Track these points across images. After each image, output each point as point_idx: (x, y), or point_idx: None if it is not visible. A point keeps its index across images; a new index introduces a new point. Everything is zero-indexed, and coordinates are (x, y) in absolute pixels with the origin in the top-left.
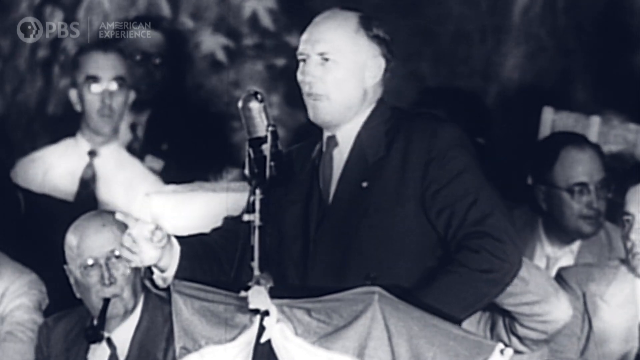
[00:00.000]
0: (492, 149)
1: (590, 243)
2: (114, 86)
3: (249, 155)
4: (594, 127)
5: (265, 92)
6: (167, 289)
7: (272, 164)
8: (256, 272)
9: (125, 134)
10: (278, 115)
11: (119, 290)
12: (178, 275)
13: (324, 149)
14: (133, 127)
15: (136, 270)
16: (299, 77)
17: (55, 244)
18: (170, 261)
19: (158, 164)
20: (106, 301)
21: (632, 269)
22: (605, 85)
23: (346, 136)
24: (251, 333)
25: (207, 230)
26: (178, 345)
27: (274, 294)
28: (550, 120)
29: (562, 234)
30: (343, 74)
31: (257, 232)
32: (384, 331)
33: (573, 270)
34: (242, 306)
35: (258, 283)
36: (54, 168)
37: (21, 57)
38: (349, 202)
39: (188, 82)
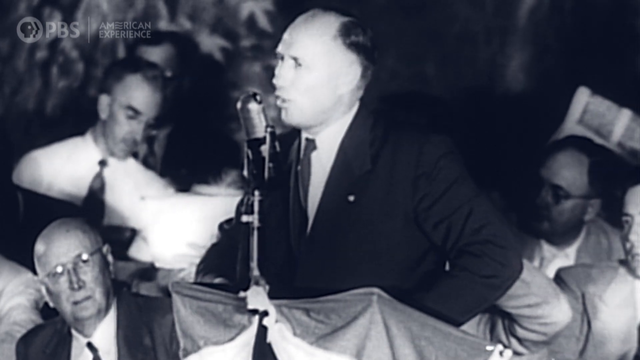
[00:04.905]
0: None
1: (589, 246)
2: (151, 122)
3: (248, 156)
4: (623, 120)
5: (263, 93)
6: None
7: (271, 165)
8: (255, 273)
9: (141, 148)
10: (276, 116)
11: (90, 293)
12: None
13: (301, 151)
14: (149, 141)
15: (106, 271)
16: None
17: None
18: None
19: (174, 187)
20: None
21: (631, 270)
22: (612, 86)
23: (327, 141)
24: (250, 333)
25: (202, 232)
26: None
27: (272, 294)
28: (584, 102)
29: (560, 238)
30: (315, 81)
31: (256, 233)
32: (383, 332)
33: (572, 271)
34: (241, 306)
35: (257, 283)
36: (61, 173)
37: (20, 58)
38: (335, 215)
39: (186, 85)
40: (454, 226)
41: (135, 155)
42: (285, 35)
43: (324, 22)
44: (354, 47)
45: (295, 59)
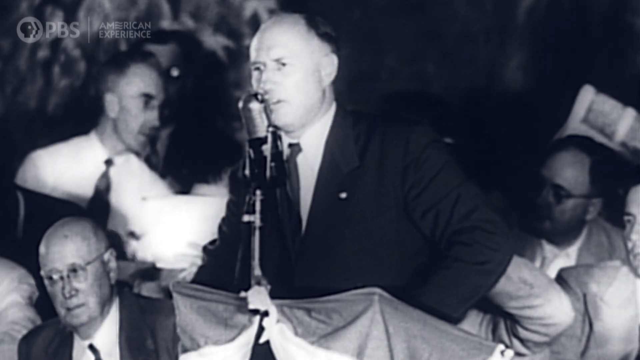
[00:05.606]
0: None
1: (591, 245)
2: (163, 105)
3: (249, 155)
4: (627, 119)
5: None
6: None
7: (273, 164)
8: (257, 272)
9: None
10: None
11: (83, 301)
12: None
13: (285, 156)
14: (152, 141)
15: (104, 279)
16: (255, 85)
17: None
18: None
19: (176, 188)
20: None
21: (633, 270)
22: (611, 85)
23: (311, 143)
24: (250, 333)
25: (203, 232)
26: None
27: (273, 294)
28: (589, 101)
29: (561, 237)
30: (302, 76)
31: (257, 232)
32: (384, 332)
33: (574, 271)
34: (242, 306)
35: (258, 283)
36: (66, 173)
37: (21, 57)
38: (328, 213)
39: (189, 83)
40: (442, 213)
41: (137, 154)
42: (257, 44)
43: (291, 19)
44: (325, 37)
45: (278, 59)
